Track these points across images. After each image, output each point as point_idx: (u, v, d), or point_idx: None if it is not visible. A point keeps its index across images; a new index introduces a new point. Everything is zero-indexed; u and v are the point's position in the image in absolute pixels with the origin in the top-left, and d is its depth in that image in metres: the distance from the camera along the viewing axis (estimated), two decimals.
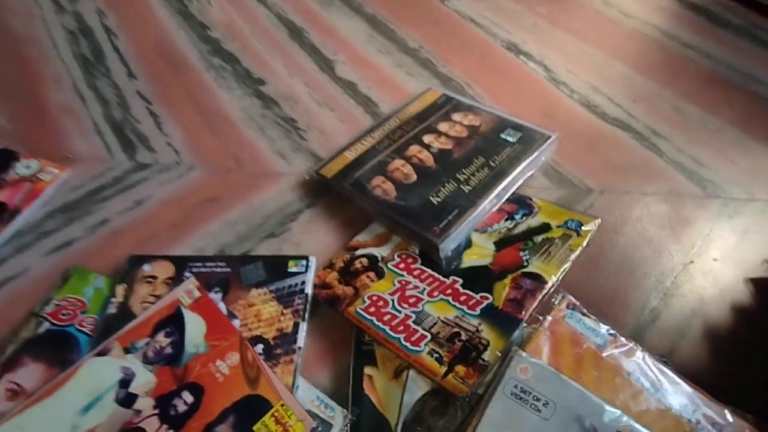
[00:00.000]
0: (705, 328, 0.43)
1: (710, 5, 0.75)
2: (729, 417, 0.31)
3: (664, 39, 0.70)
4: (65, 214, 0.50)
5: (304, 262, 0.45)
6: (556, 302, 0.37)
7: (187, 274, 0.43)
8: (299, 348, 0.40)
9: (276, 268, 0.44)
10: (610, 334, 0.35)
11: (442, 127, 0.54)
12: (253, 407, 0.35)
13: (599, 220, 0.47)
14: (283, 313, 0.41)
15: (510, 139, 0.51)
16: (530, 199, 0.48)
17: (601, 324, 0.36)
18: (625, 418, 0.29)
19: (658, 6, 0.75)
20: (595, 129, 0.59)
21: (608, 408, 0.29)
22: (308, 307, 0.42)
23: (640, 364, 0.33)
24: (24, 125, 0.58)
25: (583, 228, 0.45)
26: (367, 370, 0.38)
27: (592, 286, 0.45)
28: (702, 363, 0.41)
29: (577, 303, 0.38)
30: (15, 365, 0.38)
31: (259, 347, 0.39)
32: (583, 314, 0.36)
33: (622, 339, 0.35)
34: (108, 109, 0.60)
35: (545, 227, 0.45)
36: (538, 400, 0.29)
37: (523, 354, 0.32)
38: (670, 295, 0.45)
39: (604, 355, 0.33)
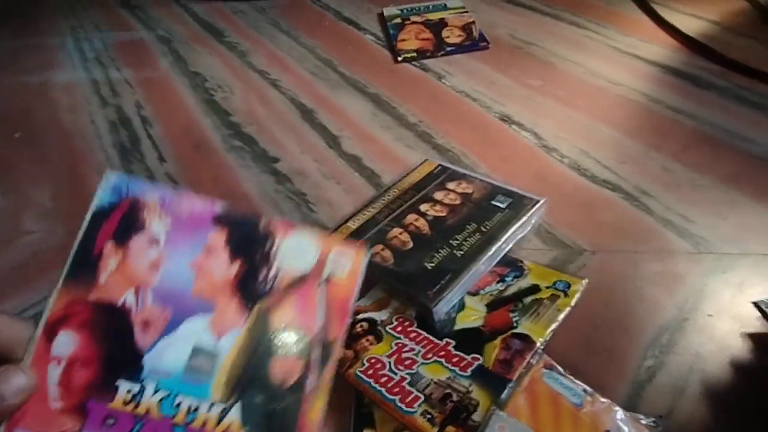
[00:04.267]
0: (704, 385, 0.44)
1: (693, 70, 0.79)
2: None
3: (649, 103, 0.74)
4: None
5: None
6: (534, 362, 0.39)
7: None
8: None
9: None
10: (587, 393, 0.36)
11: (437, 195, 0.58)
12: None
13: (586, 281, 0.49)
14: None
15: (501, 204, 0.55)
16: (521, 261, 0.51)
17: (577, 383, 0.37)
18: None
19: (643, 74, 0.80)
20: (585, 191, 0.62)
21: None
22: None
23: (618, 422, 0.34)
24: (64, 204, 0.66)
25: (570, 288, 0.47)
26: None
27: (586, 345, 0.47)
28: (703, 421, 0.42)
29: (554, 363, 0.39)
30: None
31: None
32: (560, 374, 0.38)
33: (599, 398, 0.36)
34: None
35: (534, 288, 0.47)
36: None
37: (501, 413, 0.33)
38: (666, 352, 0.46)
39: (581, 413, 0.34)
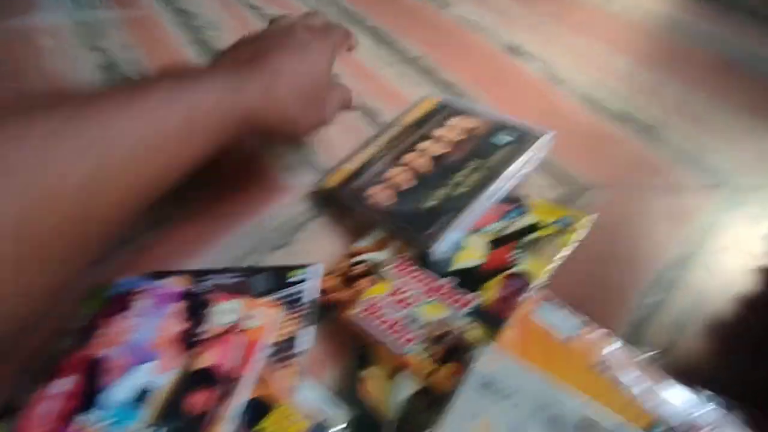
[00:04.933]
0: (709, 322, 0.43)
1: None
2: (703, 407, 0.31)
3: (668, 29, 0.69)
4: None
5: (308, 270, 0.47)
6: (528, 293, 0.38)
7: (202, 285, 0.47)
8: (302, 352, 0.42)
9: (283, 276, 0.47)
10: (584, 324, 0.35)
11: (439, 132, 0.55)
12: (257, 408, 0.38)
13: (594, 216, 0.47)
14: (287, 319, 0.44)
15: (505, 139, 0.52)
16: (525, 197, 0.49)
17: (574, 315, 0.36)
18: (589, 408, 0.29)
19: None
20: (596, 125, 0.59)
21: (572, 396, 0.30)
22: (313, 312, 0.45)
23: (613, 353, 0.33)
24: None
25: (575, 224, 0.45)
26: (365, 372, 0.40)
27: (589, 282, 0.45)
28: (706, 356, 0.41)
29: (551, 295, 0.38)
30: None
31: (267, 351, 0.42)
32: (557, 307, 0.37)
33: (595, 330, 0.35)
34: None
35: (538, 225, 0.46)
36: (503, 390, 0.30)
37: (489, 347, 0.33)
38: (671, 288, 0.45)
39: (573, 345, 0.34)
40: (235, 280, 0.47)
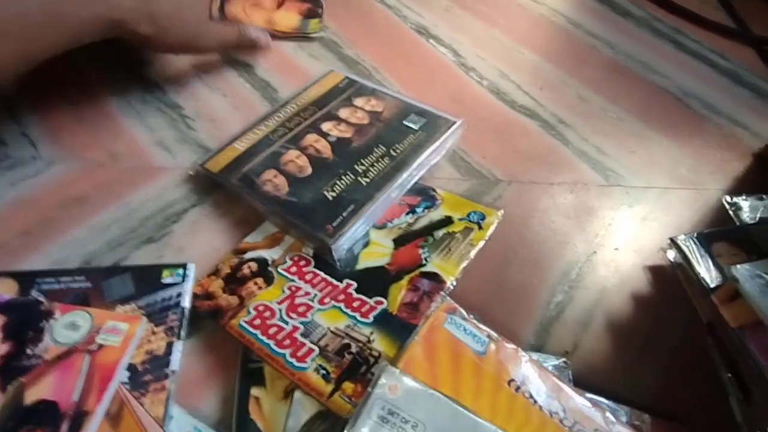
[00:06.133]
0: (607, 320, 0.43)
1: None
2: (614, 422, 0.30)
3: (569, 26, 0.70)
4: None
5: (181, 270, 0.39)
6: (434, 307, 0.34)
7: (34, 292, 0.37)
8: (173, 372, 0.34)
9: (147, 279, 0.38)
10: (492, 339, 0.33)
11: (343, 113, 0.50)
12: None
13: (501, 212, 0.45)
14: (154, 332, 0.36)
15: (413, 125, 0.48)
16: (434, 190, 0.46)
17: (482, 328, 0.34)
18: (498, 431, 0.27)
19: None
20: (503, 116, 0.58)
21: (482, 424, 0.27)
22: (185, 322, 0.37)
23: (523, 369, 0.31)
24: None
25: (485, 221, 0.43)
26: (254, 392, 0.34)
27: (497, 282, 0.44)
28: (603, 357, 0.41)
29: (457, 307, 0.35)
30: None
31: (124, 375, 0.34)
32: (463, 319, 0.34)
33: (505, 344, 0.33)
34: None
35: (447, 221, 0.42)
36: (406, 422, 0.26)
37: (392, 369, 0.29)
38: (575, 287, 0.45)
39: (484, 362, 0.31)
40: (83, 285, 0.37)
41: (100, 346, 0.33)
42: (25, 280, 0.37)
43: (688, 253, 0.39)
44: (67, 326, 0.34)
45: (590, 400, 0.32)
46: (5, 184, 0.45)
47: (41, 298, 0.36)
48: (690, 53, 0.69)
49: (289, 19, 0.63)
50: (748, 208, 0.42)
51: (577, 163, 0.54)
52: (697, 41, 0.71)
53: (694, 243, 0.39)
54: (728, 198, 0.44)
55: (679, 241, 0.40)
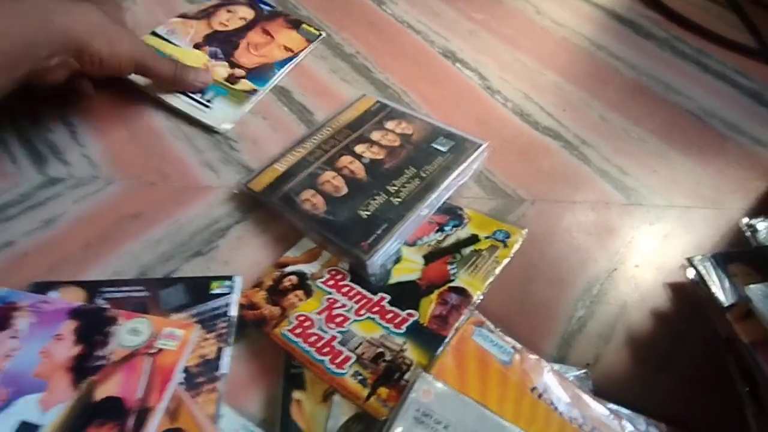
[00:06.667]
0: (627, 334, 0.45)
1: (634, 17, 0.78)
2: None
3: (592, 48, 0.72)
4: None
5: (228, 282, 0.43)
6: (464, 320, 0.37)
7: (99, 300, 0.41)
8: (223, 375, 0.38)
9: (198, 290, 0.42)
10: (516, 350, 0.35)
11: (375, 135, 0.53)
12: None
13: (526, 231, 0.47)
14: (205, 338, 0.40)
15: (442, 147, 0.51)
16: (461, 209, 0.49)
17: (507, 340, 0.36)
18: None
19: (587, 16, 0.78)
20: (527, 137, 0.60)
21: (507, 426, 0.29)
22: (233, 330, 0.40)
23: (545, 378, 0.34)
24: None
25: (510, 239, 0.45)
26: (296, 395, 0.37)
27: (521, 297, 0.46)
28: (623, 369, 0.43)
29: (485, 320, 0.38)
30: None
31: (180, 376, 0.37)
32: (490, 331, 0.36)
33: (528, 355, 0.35)
34: (14, 117, 0.55)
35: (473, 239, 0.45)
36: (439, 423, 0.29)
37: (426, 375, 0.32)
38: (596, 302, 0.47)
39: (509, 371, 0.33)
40: (143, 293, 0.42)
41: (160, 350, 0.37)
42: (91, 288, 0.42)
43: (703, 273, 0.41)
44: (130, 331, 0.38)
45: (609, 409, 0.34)
46: (69, 202, 0.50)
47: (106, 306, 0.40)
48: (713, 73, 0.71)
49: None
50: (765, 231, 0.43)
51: (599, 182, 0.56)
52: (720, 61, 0.73)
53: (710, 263, 0.41)
54: (746, 220, 0.46)
55: (695, 262, 0.42)
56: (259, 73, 0.62)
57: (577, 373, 0.38)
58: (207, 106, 0.57)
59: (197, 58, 0.61)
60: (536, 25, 0.75)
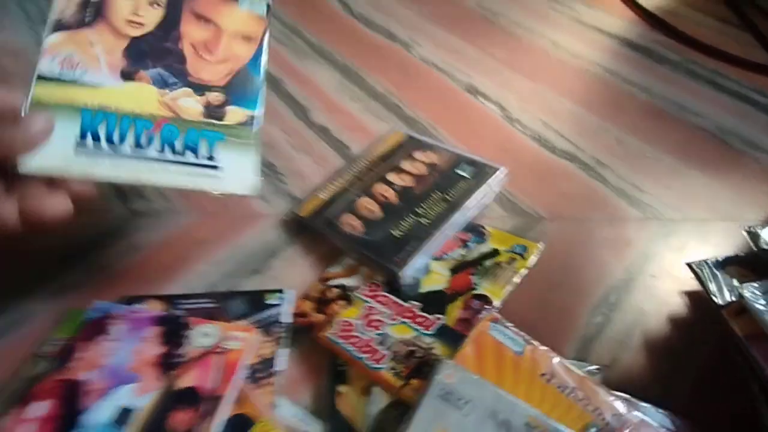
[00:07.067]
0: (644, 339, 0.49)
1: (648, 43, 0.83)
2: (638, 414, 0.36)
3: (607, 76, 0.77)
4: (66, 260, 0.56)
5: (281, 294, 0.50)
6: (482, 316, 0.42)
7: (176, 310, 0.49)
8: (278, 371, 0.45)
9: (256, 301, 0.50)
10: (527, 342, 0.40)
11: (405, 165, 0.60)
12: (239, 424, 0.40)
13: (542, 244, 0.52)
14: (264, 342, 0.46)
15: (464, 173, 0.57)
16: (483, 227, 0.54)
17: (520, 333, 0.41)
18: (533, 411, 0.34)
19: (602, 47, 0.83)
20: (545, 162, 0.65)
21: (519, 404, 0.34)
22: (286, 335, 0.47)
23: (553, 366, 0.38)
24: None
25: (527, 251, 0.50)
26: (341, 388, 0.43)
27: (542, 305, 0.51)
28: (640, 370, 0.47)
29: (499, 317, 0.43)
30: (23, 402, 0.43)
31: (243, 372, 0.44)
32: (504, 326, 0.41)
33: (539, 346, 0.40)
34: None
35: (494, 252, 0.50)
36: (460, 399, 0.35)
37: (449, 362, 0.37)
38: (613, 310, 0.51)
39: (521, 360, 0.38)
40: (211, 304, 0.49)
41: (227, 350, 0.44)
42: (170, 301, 0.50)
43: (700, 274, 0.44)
44: (202, 335, 0.45)
45: (619, 397, 0.38)
46: (150, 231, 0.59)
47: (182, 314, 0.48)
48: (728, 93, 0.74)
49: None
50: (766, 236, 0.46)
51: (615, 200, 0.61)
52: (735, 81, 0.76)
53: (708, 266, 0.45)
54: (748, 227, 0.49)
55: (693, 265, 0.46)
56: (237, 89, 0.42)
57: (590, 368, 0.42)
58: (214, 167, 0.40)
59: (144, 98, 0.39)
60: (553, 59, 0.81)
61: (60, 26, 0.39)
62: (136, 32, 0.41)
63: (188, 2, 0.42)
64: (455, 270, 0.50)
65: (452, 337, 0.43)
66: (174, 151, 0.39)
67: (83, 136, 0.37)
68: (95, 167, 0.37)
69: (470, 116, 0.72)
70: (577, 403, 0.35)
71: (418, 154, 0.62)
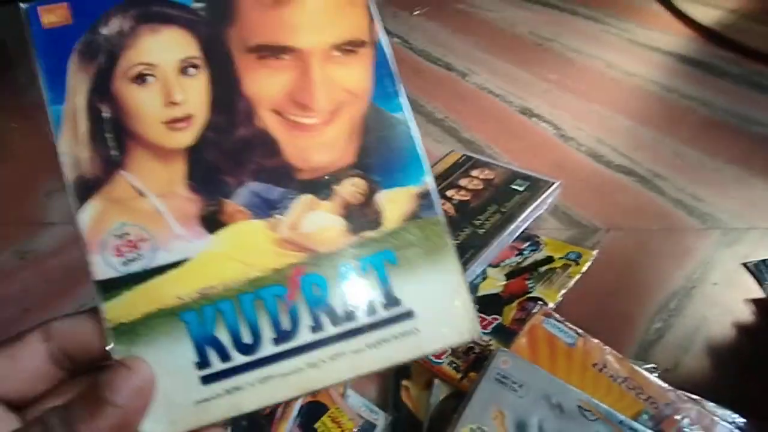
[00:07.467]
0: (707, 345, 0.49)
1: (708, 58, 0.83)
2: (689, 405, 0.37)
3: (663, 92, 0.78)
4: None
5: None
6: (535, 311, 0.45)
7: None
8: None
9: None
10: (579, 335, 0.42)
11: (462, 182, 0.64)
12: (314, 410, 0.45)
13: (596, 252, 0.54)
14: None
15: (519, 187, 0.61)
16: (538, 237, 0.57)
17: (572, 327, 0.43)
18: (585, 396, 0.36)
19: (658, 64, 0.84)
20: (600, 176, 0.67)
21: (572, 389, 0.36)
22: None
23: (606, 357, 0.40)
24: None
25: (582, 258, 0.53)
26: (404, 382, 0.47)
27: (599, 309, 0.52)
28: (703, 375, 0.47)
29: (552, 312, 0.45)
30: None
31: None
32: (557, 321, 0.44)
33: (591, 339, 0.42)
34: None
35: (549, 259, 0.53)
36: (515, 383, 0.37)
37: (505, 350, 0.40)
38: (674, 316, 0.51)
39: (573, 351, 0.41)
40: None
41: None
42: None
43: (756, 273, 0.44)
44: None
45: (675, 392, 0.39)
46: None
47: None
48: None
49: None
50: None
51: (674, 211, 0.61)
52: None
53: (766, 266, 0.44)
54: None
55: (749, 265, 0.46)
56: (375, 152, 0.27)
57: (645, 366, 0.43)
58: (406, 315, 0.25)
59: (252, 246, 0.25)
60: (607, 78, 0.83)
61: (85, 187, 0.24)
62: (187, 135, 0.25)
63: (233, 38, 0.25)
64: (511, 275, 0.53)
65: (508, 335, 0.46)
66: (335, 320, 0.24)
67: (201, 355, 0.23)
68: (239, 398, 0.23)
69: (525, 136, 0.75)
70: (629, 391, 0.37)
71: (474, 172, 0.66)
